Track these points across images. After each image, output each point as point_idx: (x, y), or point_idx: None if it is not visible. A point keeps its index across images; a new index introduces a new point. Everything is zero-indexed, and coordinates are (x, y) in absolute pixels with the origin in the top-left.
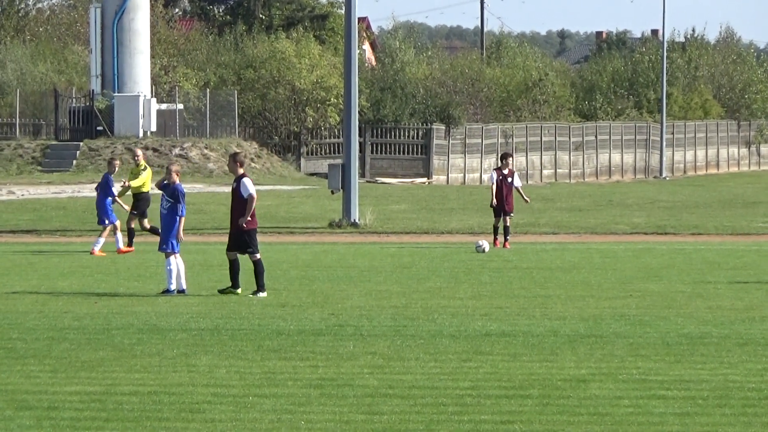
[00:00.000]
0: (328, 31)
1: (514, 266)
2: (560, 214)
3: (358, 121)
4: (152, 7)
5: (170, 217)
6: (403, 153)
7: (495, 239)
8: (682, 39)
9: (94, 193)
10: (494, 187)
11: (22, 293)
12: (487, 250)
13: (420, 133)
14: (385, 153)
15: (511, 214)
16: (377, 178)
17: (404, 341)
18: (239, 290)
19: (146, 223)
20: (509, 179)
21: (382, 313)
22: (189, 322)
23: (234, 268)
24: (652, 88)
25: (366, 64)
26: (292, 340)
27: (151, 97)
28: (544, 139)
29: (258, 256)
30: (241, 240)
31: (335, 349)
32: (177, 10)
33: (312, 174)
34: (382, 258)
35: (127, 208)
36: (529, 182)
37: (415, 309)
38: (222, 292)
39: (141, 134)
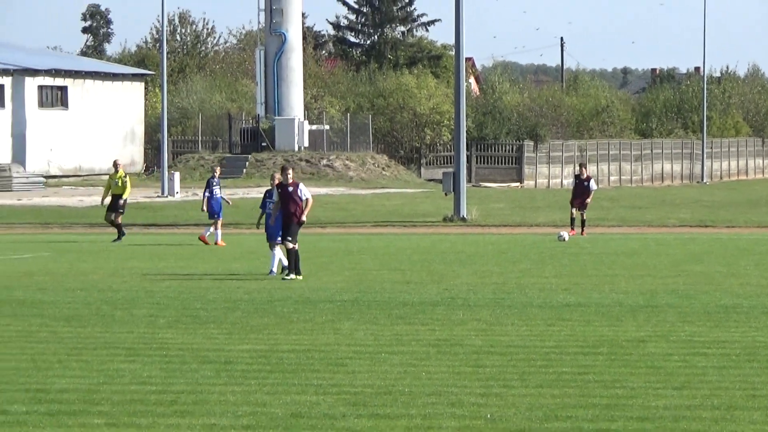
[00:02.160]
0: (442, 68)
1: (588, 252)
2: (624, 211)
3: (465, 138)
4: (304, 49)
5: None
6: (501, 163)
7: (572, 228)
8: (719, 74)
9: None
10: (574, 181)
11: (203, 273)
12: (566, 239)
13: (514, 148)
14: (487, 163)
15: (586, 209)
16: (480, 183)
17: (502, 310)
18: (292, 276)
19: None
20: (585, 183)
21: (484, 288)
22: (334, 295)
23: (291, 257)
24: (695, 113)
25: (471, 94)
26: (414, 309)
27: (304, 119)
28: (610, 152)
29: (295, 246)
30: (286, 231)
31: (448, 316)
32: (323, 51)
33: (429, 180)
34: (484, 245)
35: (230, 201)
36: (599, 186)
37: (510, 285)
38: (284, 278)
39: (296, 149)
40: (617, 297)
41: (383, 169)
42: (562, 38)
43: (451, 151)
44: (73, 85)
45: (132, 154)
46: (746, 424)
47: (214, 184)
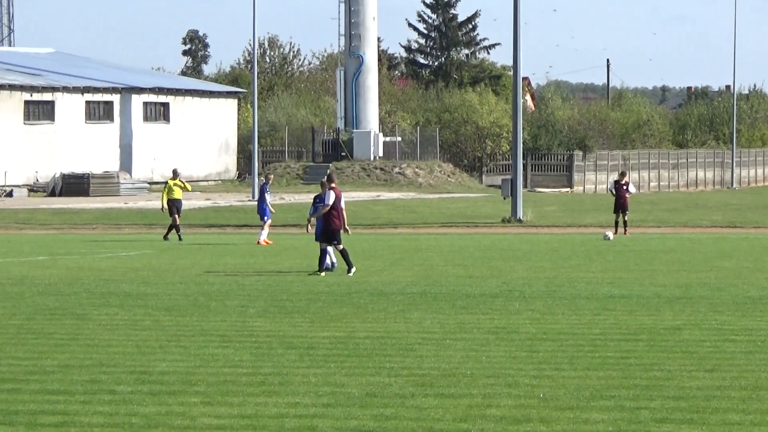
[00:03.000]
0: (501, 87)
1: (630, 249)
2: (662, 214)
3: (522, 148)
4: (379, 69)
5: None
6: (553, 171)
7: (616, 230)
8: (747, 91)
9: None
10: (613, 191)
11: (288, 269)
12: (611, 238)
13: (565, 157)
14: (540, 171)
15: (627, 212)
16: (535, 188)
17: (553, 301)
18: (323, 273)
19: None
20: (625, 187)
21: (538, 282)
22: (405, 288)
23: (324, 256)
24: (725, 126)
25: (527, 110)
26: (475, 300)
27: (379, 132)
28: (650, 161)
29: (342, 246)
30: (330, 235)
31: (506, 307)
32: (396, 71)
33: (490, 185)
34: (538, 244)
35: (273, 210)
36: (640, 191)
37: (561, 279)
38: (314, 273)
39: (372, 158)
40: (656, 290)
41: (449, 176)
42: (608, 60)
43: (509, 160)
44: (174, 102)
45: (226, 163)
46: None
47: (266, 190)
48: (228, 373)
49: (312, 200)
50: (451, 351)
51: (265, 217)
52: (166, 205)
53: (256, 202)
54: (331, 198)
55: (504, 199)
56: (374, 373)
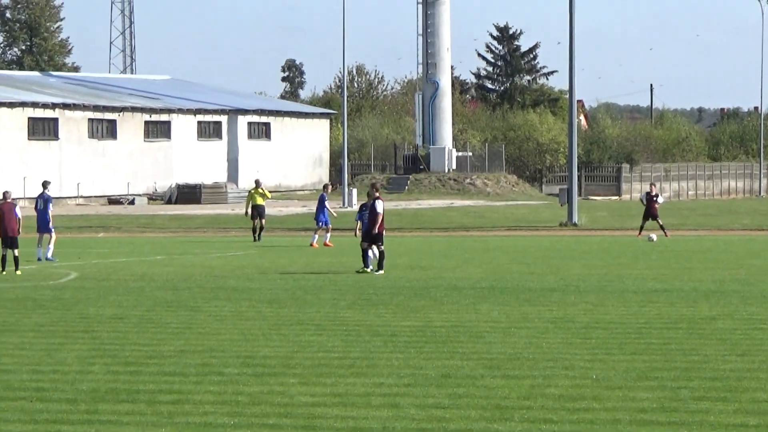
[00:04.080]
0: (559, 108)
1: (671, 249)
2: (699, 218)
3: (577, 161)
4: (452, 93)
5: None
6: (603, 181)
7: (640, 232)
8: None
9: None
10: (644, 201)
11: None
12: (654, 240)
13: (614, 169)
14: (593, 181)
15: (658, 218)
16: (588, 196)
17: (604, 294)
18: (370, 269)
19: (263, 223)
20: (655, 198)
21: (591, 278)
22: (475, 283)
23: (366, 255)
24: (754, 142)
25: (581, 128)
26: (536, 294)
27: (452, 148)
28: (689, 173)
29: (383, 247)
30: (375, 237)
31: (563, 299)
32: (467, 95)
33: (549, 194)
34: (591, 245)
35: (336, 214)
36: (680, 199)
37: (611, 275)
38: (359, 272)
39: (446, 170)
40: (693, 284)
41: (513, 186)
42: (651, 85)
43: (565, 172)
44: (275, 122)
45: (320, 175)
46: None
47: (325, 199)
48: (321, 357)
49: (359, 208)
50: (515, 338)
51: (320, 223)
52: (249, 211)
53: (346, 209)
54: (380, 206)
55: (561, 205)
56: (448, 357)
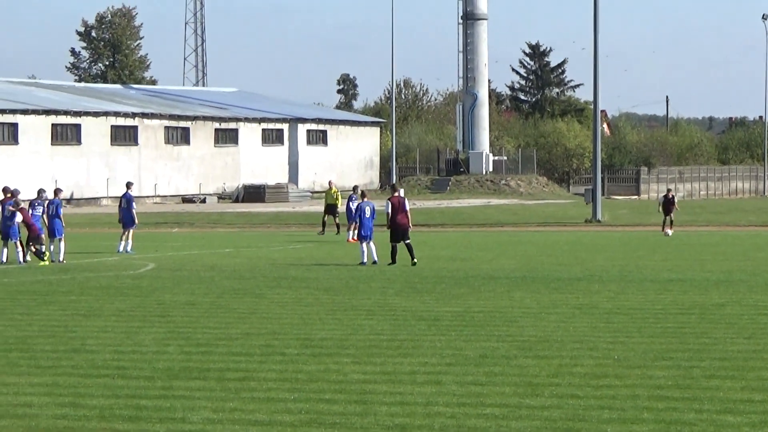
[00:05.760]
0: (584, 117)
1: (685, 243)
2: (709, 215)
3: (600, 165)
4: (489, 104)
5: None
6: (624, 182)
7: (663, 228)
8: None
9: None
10: (661, 204)
11: (419, 258)
12: (669, 234)
13: (633, 172)
14: (614, 182)
15: (672, 216)
16: (610, 196)
17: (625, 283)
18: (395, 263)
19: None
20: (671, 199)
21: (613, 269)
22: (509, 273)
23: (396, 251)
24: (759, 147)
25: (604, 135)
26: (564, 283)
27: (489, 152)
28: (700, 175)
29: (409, 241)
30: (402, 233)
31: (588, 288)
32: (502, 105)
33: (575, 194)
34: (613, 239)
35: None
36: (692, 198)
37: (631, 266)
38: (389, 264)
39: (484, 173)
40: (705, 274)
41: (543, 186)
42: (667, 96)
43: (590, 174)
44: (331, 129)
45: (371, 176)
46: None
47: (354, 198)
48: (372, 339)
49: (356, 209)
50: (545, 322)
51: (352, 220)
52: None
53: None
54: (389, 207)
55: (586, 204)
56: (485, 339)
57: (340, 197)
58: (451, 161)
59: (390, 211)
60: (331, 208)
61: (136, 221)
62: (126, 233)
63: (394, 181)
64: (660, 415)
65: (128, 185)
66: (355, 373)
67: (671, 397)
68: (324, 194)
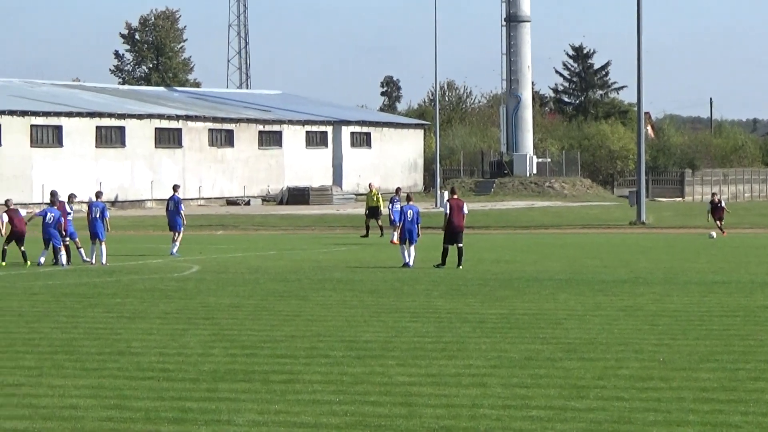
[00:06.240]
0: (628, 119)
1: (729, 246)
2: (754, 218)
3: (645, 167)
4: (533, 106)
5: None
6: (668, 184)
7: (719, 230)
8: None
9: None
10: (710, 208)
11: (466, 259)
12: (714, 237)
13: (678, 174)
14: (659, 184)
15: (722, 218)
16: (654, 198)
17: (670, 285)
18: (444, 266)
19: (380, 222)
20: (718, 203)
21: (657, 271)
22: (554, 275)
23: (447, 252)
24: None
25: (648, 137)
26: (609, 285)
27: (533, 154)
28: (744, 177)
29: (461, 245)
30: (457, 236)
31: (632, 290)
32: (546, 108)
33: (620, 196)
34: (658, 241)
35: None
36: (737, 200)
37: (676, 269)
38: (437, 266)
39: (527, 175)
40: (750, 276)
41: (587, 188)
42: (711, 98)
43: (634, 176)
44: (374, 131)
45: (415, 179)
46: None
47: (396, 200)
48: (417, 341)
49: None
50: (590, 324)
51: (393, 222)
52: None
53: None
54: (448, 208)
55: (631, 206)
56: (530, 342)
57: (380, 199)
58: (495, 163)
59: (448, 212)
60: (372, 211)
61: (185, 223)
62: (175, 235)
63: (438, 184)
64: (705, 417)
65: (175, 188)
66: (400, 376)
67: (717, 399)
68: (367, 197)
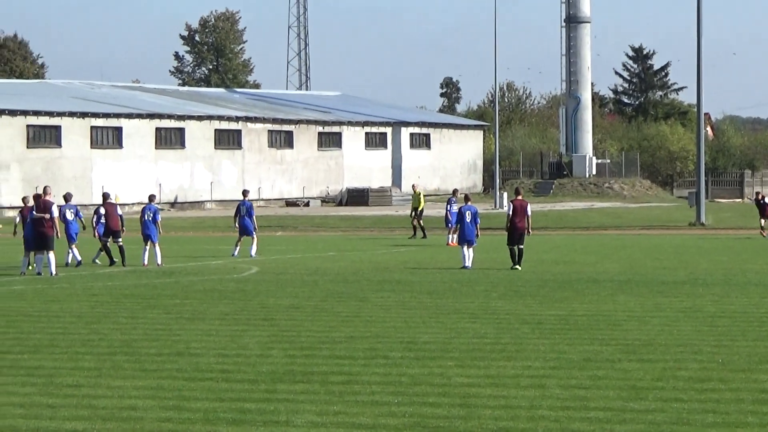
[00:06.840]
0: (688, 120)
1: None
2: None
3: (704, 168)
4: (592, 107)
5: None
6: (728, 185)
7: (762, 231)
8: None
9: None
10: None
11: (525, 260)
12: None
13: (737, 175)
14: (718, 185)
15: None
16: (714, 199)
17: (729, 287)
18: (519, 267)
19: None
20: (762, 202)
21: (717, 272)
22: (613, 276)
23: (514, 253)
24: None
25: (708, 138)
26: (668, 286)
27: (592, 155)
28: None
29: (522, 246)
30: (519, 236)
31: (692, 291)
32: (606, 109)
33: (679, 197)
34: (717, 242)
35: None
36: None
37: (735, 270)
38: (512, 268)
39: (587, 176)
40: None
41: (647, 189)
42: None
43: (694, 177)
44: (434, 133)
45: (474, 180)
46: None
47: (453, 201)
48: (476, 342)
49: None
50: (649, 326)
51: (449, 224)
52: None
53: (498, 211)
54: (510, 208)
55: (690, 207)
56: (589, 343)
57: (423, 200)
58: (555, 164)
59: (511, 212)
60: (416, 211)
61: (257, 227)
62: (252, 239)
63: (497, 185)
64: (765, 418)
65: (245, 193)
66: (459, 377)
67: None
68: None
